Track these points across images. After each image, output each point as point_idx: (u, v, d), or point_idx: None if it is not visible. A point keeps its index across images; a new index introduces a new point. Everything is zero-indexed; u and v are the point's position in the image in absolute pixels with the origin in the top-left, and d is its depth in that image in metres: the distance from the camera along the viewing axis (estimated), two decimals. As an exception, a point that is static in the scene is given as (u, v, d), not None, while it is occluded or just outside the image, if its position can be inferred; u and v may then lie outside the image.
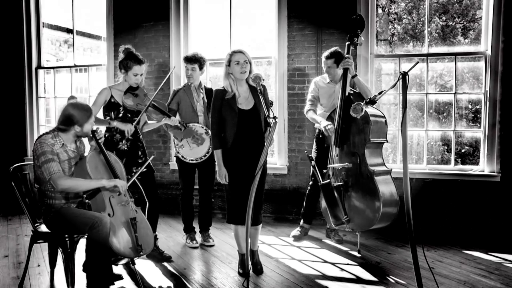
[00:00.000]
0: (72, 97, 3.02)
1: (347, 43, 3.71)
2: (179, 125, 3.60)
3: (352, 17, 3.70)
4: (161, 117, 3.50)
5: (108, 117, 3.43)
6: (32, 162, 2.82)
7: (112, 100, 3.40)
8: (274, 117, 2.71)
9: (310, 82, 4.22)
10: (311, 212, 4.14)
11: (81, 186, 2.69)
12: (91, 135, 2.86)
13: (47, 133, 2.79)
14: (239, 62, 3.03)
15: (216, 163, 3.18)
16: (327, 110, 3.95)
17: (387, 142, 3.70)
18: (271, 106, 2.97)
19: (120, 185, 2.78)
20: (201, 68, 3.85)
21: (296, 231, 4.11)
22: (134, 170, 3.45)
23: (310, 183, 4.10)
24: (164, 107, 3.55)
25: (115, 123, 3.36)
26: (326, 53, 3.92)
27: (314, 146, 4.11)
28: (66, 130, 2.78)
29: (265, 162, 3.22)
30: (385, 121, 3.63)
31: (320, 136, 4.02)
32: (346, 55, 3.67)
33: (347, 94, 3.64)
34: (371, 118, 3.47)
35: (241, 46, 3.15)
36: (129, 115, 3.43)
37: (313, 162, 3.69)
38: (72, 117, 2.75)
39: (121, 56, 3.42)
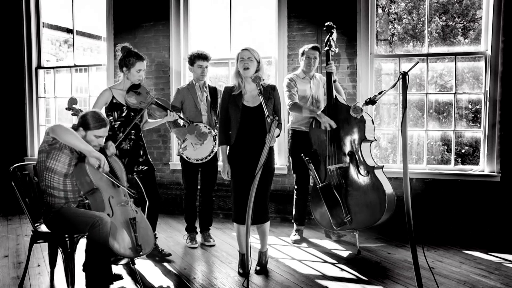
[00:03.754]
0: (72, 99, 3.03)
1: (325, 49, 3.85)
2: (183, 121, 3.60)
3: (325, 24, 3.88)
4: (165, 114, 3.50)
5: (111, 117, 3.42)
6: (32, 162, 2.81)
7: (114, 101, 3.40)
8: (274, 117, 2.72)
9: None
10: (303, 214, 4.14)
11: (69, 137, 2.60)
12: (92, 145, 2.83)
13: None
14: (244, 58, 3.07)
15: (220, 161, 3.20)
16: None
17: (376, 140, 3.84)
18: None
19: (104, 159, 2.69)
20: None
21: (294, 236, 4.10)
22: (136, 169, 3.46)
23: (296, 187, 4.09)
24: (167, 104, 3.56)
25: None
26: (311, 45, 3.99)
27: (290, 147, 4.08)
28: (76, 130, 2.80)
29: (272, 162, 3.22)
30: (372, 121, 3.79)
31: (294, 137, 4.02)
32: (328, 62, 3.79)
33: (334, 97, 3.73)
34: (366, 117, 3.62)
35: (241, 46, 3.17)
36: (133, 114, 3.44)
37: (311, 165, 3.68)
38: (83, 118, 2.80)
39: (119, 54, 3.43)
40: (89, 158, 2.68)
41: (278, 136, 3.29)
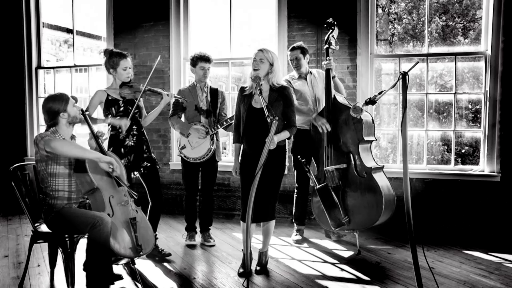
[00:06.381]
0: (72, 97, 3.02)
1: (325, 46, 3.79)
2: (180, 100, 3.67)
3: (326, 21, 3.83)
4: (161, 97, 3.53)
5: (110, 115, 3.45)
6: (32, 162, 2.81)
7: (110, 98, 3.45)
8: (274, 117, 2.73)
9: None
10: (304, 213, 4.15)
11: (70, 150, 2.58)
12: (79, 118, 2.85)
13: (44, 131, 2.80)
14: (256, 59, 3.11)
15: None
16: (304, 110, 3.93)
17: (376, 140, 3.79)
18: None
19: (115, 162, 2.70)
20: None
21: (295, 236, 4.10)
22: (142, 165, 3.48)
23: (296, 185, 4.10)
24: (160, 89, 3.61)
25: (109, 120, 3.39)
26: (290, 47, 4.02)
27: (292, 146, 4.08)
28: (56, 123, 2.80)
29: (281, 161, 3.22)
30: (372, 119, 3.73)
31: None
32: (327, 58, 3.74)
33: (332, 96, 3.69)
34: (363, 118, 3.56)
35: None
36: (130, 107, 3.46)
37: (307, 167, 3.67)
38: (51, 108, 2.77)
39: (103, 58, 3.49)
40: (100, 164, 2.67)
41: (289, 138, 3.28)
